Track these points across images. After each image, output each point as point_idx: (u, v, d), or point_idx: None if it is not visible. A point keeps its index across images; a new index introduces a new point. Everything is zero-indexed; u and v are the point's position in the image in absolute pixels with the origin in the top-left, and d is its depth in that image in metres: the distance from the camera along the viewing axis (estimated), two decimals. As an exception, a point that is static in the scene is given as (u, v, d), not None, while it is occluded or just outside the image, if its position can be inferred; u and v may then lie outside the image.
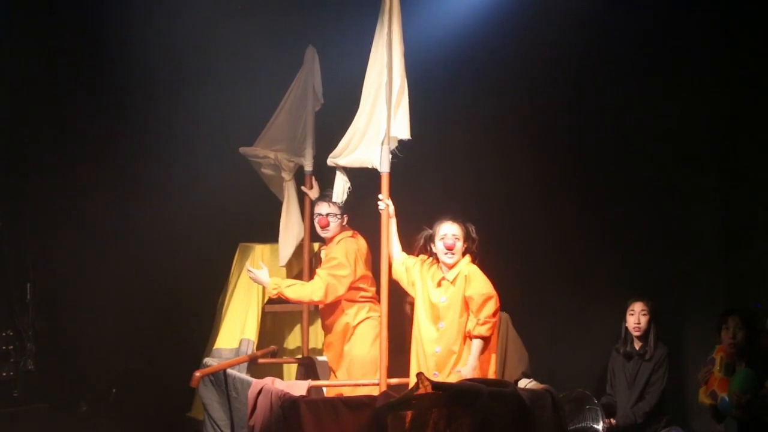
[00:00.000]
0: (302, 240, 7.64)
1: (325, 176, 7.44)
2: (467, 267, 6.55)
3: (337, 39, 7.96)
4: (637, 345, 7.45)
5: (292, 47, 7.79)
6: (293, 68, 7.59)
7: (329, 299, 6.98)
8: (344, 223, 7.24)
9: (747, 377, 6.52)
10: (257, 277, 7.10)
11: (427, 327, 6.58)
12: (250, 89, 8.30)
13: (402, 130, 6.39)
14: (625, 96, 8.39)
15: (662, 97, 8.33)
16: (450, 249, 6.57)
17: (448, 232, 6.60)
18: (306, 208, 7.58)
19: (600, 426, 7.00)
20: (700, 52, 8.22)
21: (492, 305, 6.44)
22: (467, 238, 6.61)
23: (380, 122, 6.45)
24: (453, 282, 6.54)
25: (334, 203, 7.08)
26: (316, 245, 7.67)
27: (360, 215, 7.25)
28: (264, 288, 7.51)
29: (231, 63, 8.46)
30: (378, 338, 6.77)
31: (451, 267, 6.58)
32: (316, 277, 7.07)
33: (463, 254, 6.60)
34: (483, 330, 6.41)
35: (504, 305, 6.94)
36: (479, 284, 6.48)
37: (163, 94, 8.40)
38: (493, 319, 6.45)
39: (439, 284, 6.61)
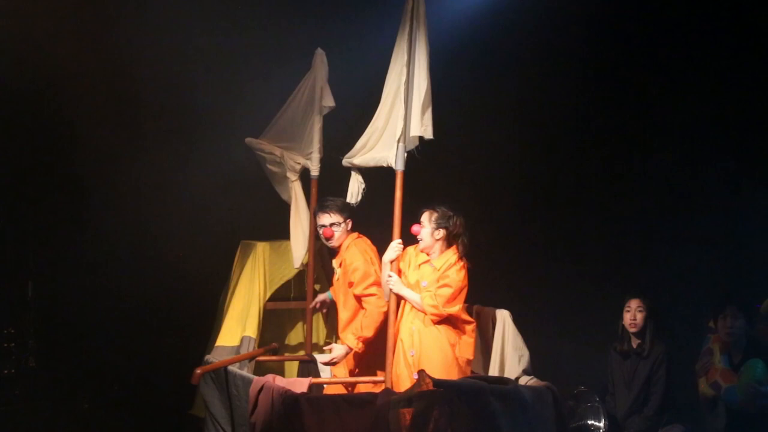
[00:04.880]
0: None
1: (327, 178, 7.48)
2: (453, 256, 6.72)
3: (345, 42, 7.99)
4: (635, 343, 7.44)
5: (299, 47, 7.79)
6: (301, 68, 7.58)
7: (391, 299, 6.82)
8: (348, 229, 7.19)
9: (761, 368, 6.52)
10: (340, 356, 6.97)
11: (406, 309, 6.76)
12: (254, 88, 8.30)
13: (426, 128, 6.48)
14: (627, 95, 8.41)
15: (663, 96, 8.33)
16: (416, 235, 6.78)
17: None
18: (311, 205, 7.57)
19: (601, 423, 7.00)
20: (701, 50, 8.23)
21: (455, 307, 6.63)
22: (439, 225, 6.72)
23: (398, 121, 6.50)
24: (439, 269, 6.68)
25: (336, 212, 7.07)
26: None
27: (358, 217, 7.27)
28: (266, 286, 7.56)
29: (235, 62, 8.46)
30: None
31: (429, 252, 6.76)
32: (363, 300, 6.98)
33: (448, 243, 6.74)
34: (429, 307, 6.61)
35: (504, 302, 6.98)
36: (458, 276, 6.65)
37: (166, 92, 8.40)
38: (444, 310, 6.62)
39: (419, 267, 6.75)
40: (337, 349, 6.98)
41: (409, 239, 6.81)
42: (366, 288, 6.95)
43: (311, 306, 7.53)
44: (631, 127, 8.47)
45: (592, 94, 8.46)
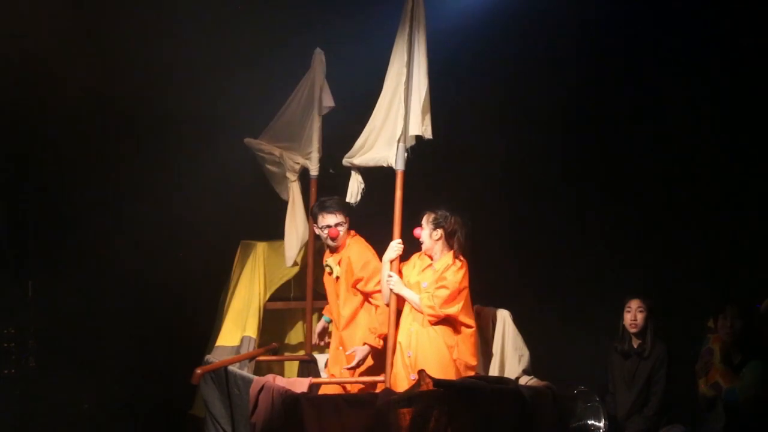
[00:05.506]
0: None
1: (326, 180, 7.47)
2: (452, 259, 6.71)
3: (345, 42, 7.99)
4: (635, 343, 7.44)
5: (299, 47, 7.79)
6: (301, 68, 7.59)
7: (391, 299, 6.86)
8: (347, 227, 7.21)
9: (762, 371, 6.51)
10: (364, 357, 6.98)
11: (406, 310, 6.79)
12: (254, 87, 8.30)
13: (426, 128, 6.52)
14: (627, 96, 8.41)
15: (663, 98, 8.34)
16: (418, 237, 6.80)
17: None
18: (311, 205, 7.57)
19: (601, 423, 7.00)
20: (698, 48, 8.24)
21: (453, 308, 6.61)
22: (437, 225, 6.73)
23: (397, 120, 6.52)
24: (438, 271, 6.69)
25: (340, 212, 7.07)
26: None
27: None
28: (265, 285, 7.57)
29: (236, 61, 8.46)
30: None
31: (432, 255, 6.77)
32: (374, 296, 7.02)
33: (453, 248, 6.72)
34: (426, 308, 6.60)
35: (504, 302, 6.98)
36: (455, 277, 6.63)
37: (166, 91, 8.39)
38: (441, 311, 6.61)
39: (423, 270, 6.76)
40: (360, 352, 6.98)
41: (409, 239, 6.82)
42: (377, 284, 6.96)
43: (315, 341, 7.58)
44: (631, 127, 8.47)
45: (593, 94, 8.46)
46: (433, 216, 6.77)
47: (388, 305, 6.79)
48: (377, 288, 6.96)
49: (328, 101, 7.47)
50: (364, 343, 6.98)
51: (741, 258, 8.09)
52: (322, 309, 7.59)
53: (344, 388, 7.10)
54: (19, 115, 8.31)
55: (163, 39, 8.26)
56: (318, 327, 7.55)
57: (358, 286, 7.07)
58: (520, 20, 8.34)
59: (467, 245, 6.75)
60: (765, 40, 7.90)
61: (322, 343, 7.64)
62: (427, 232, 6.76)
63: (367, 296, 7.09)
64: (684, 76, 8.24)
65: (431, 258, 6.79)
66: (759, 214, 8.02)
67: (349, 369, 7.01)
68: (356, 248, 7.11)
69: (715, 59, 8.15)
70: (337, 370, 7.17)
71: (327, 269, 7.25)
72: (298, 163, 7.59)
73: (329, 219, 7.11)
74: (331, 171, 7.52)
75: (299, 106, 7.56)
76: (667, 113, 8.36)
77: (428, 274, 6.74)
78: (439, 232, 6.74)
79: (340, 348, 7.17)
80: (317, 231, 7.21)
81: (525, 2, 8.28)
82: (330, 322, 7.44)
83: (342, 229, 7.12)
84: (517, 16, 8.31)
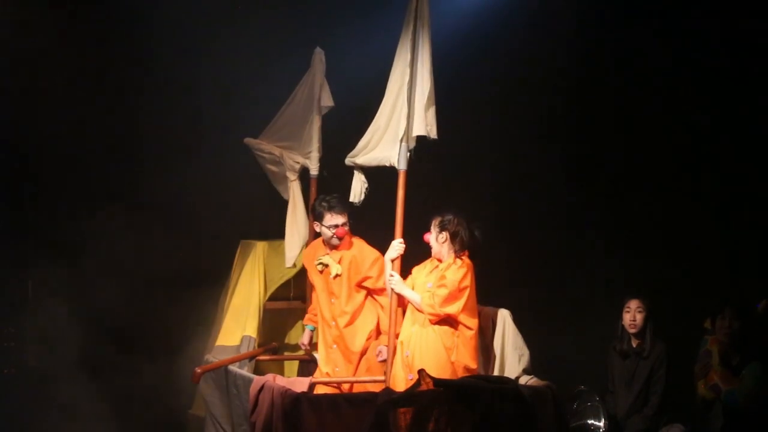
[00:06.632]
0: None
1: (327, 180, 7.48)
2: (453, 259, 6.71)
3: (348, 42, 8.00)
4: (635, 343, 7.45)
5: (300, 47, 7.80)
6: (301, 67, 7.60)
7: (392, 299, 6.86)
8: None
9: (762, 372, 6.51)
10: (383, 356, 7.01)
11: (408, 310, 6.79)
12: (255, 88, 8.31)
13: (431, 128, 6.53)
14: (627, 96, 8.42)
15: (662, 97, 8.35)
16: (427, 243, 6.79)
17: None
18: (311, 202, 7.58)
19: (601, 423, 7.01)
20: (699, 48, 8.25)
21: (453, 307, 6.59)
22: (442, 228, 6.72)
23: (400, 121, 6.53)
24: (441, 271, 6.69)
25: (346, 211, 7.05)
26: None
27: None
28: (265, 285, 7.57)
29: (236, 61, 8.47)
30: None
31: (441, 259, 6.76)
32: (381, 296, 7.05)
33: (454, 248, 6.70)
34: (427, 306, 6.57)
35: (504, 302, 6.98)
36: (455, 276, 6.62)
37: (165, 92, 8.41)
38: (441, 310, 6.58)
39: (430, 272, 6.75)
40: (384, 351, 6.95)
41: (410, 239, 6.83)
42: (382, 285, 6.97)
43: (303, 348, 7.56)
44: (632, 127, 8.48)
45: (595, 94, 8.48)
46: (438, 220, 6.78)
47: None
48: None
49: (328, 101, 7.47)
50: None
51: (740, 258, 8.10)
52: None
53: (340, 387, 7.10)
54: (20, 115, 8.32)
55: (163, 38, 8.27)
56: (305, 338, 7.49)
57: (367, 284, 7.07)
58: (524, 20, 8.35)
59: (472, 245, 6.75)
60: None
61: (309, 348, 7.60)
62: (434, 236, 6.77)
63: (373, 293, 7.09)
64: (687, 74, 8.25)
65: (440, 261, 6.80)
66: (758, 215, 8.02)
67: (381, 362, 6.99)
68: (360, 245, 7.12)
69: (719, 60, 8.16)
70: (330, 369, 7.15)
71: (319, 267, 7.21)
72: (298, 163, 7.59)
73: (337, 218, 7.06)
74: (324, 174, 7.54)
75: (299, 106, 7.57)
76: (667, 113, 8.37)
77: (434, 275, 6.75)
78: (445, 234, 6.74)
79: (334, 347, 7.15)
80: (321, 229, 7.14)
81: (528, 2, 8.29)
82: (314, 330, 7.42)
83: (346, 228, 7.12)
84: (522, 15, 8.33)
